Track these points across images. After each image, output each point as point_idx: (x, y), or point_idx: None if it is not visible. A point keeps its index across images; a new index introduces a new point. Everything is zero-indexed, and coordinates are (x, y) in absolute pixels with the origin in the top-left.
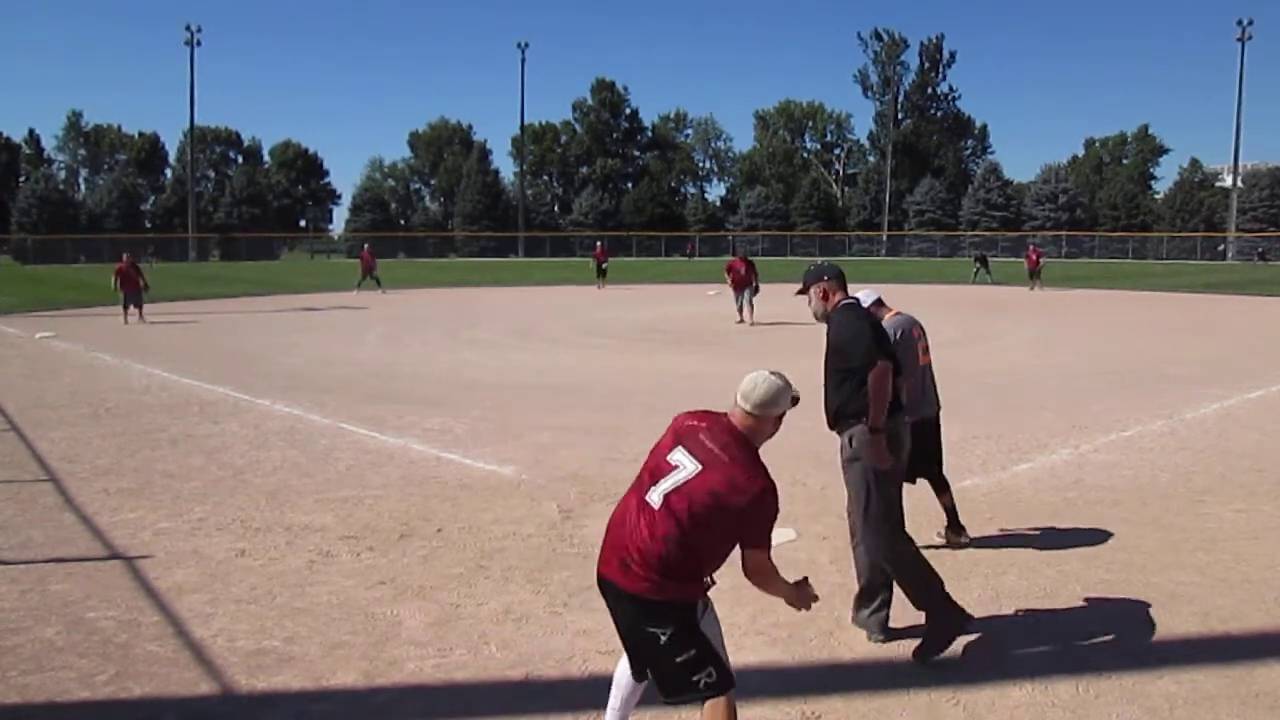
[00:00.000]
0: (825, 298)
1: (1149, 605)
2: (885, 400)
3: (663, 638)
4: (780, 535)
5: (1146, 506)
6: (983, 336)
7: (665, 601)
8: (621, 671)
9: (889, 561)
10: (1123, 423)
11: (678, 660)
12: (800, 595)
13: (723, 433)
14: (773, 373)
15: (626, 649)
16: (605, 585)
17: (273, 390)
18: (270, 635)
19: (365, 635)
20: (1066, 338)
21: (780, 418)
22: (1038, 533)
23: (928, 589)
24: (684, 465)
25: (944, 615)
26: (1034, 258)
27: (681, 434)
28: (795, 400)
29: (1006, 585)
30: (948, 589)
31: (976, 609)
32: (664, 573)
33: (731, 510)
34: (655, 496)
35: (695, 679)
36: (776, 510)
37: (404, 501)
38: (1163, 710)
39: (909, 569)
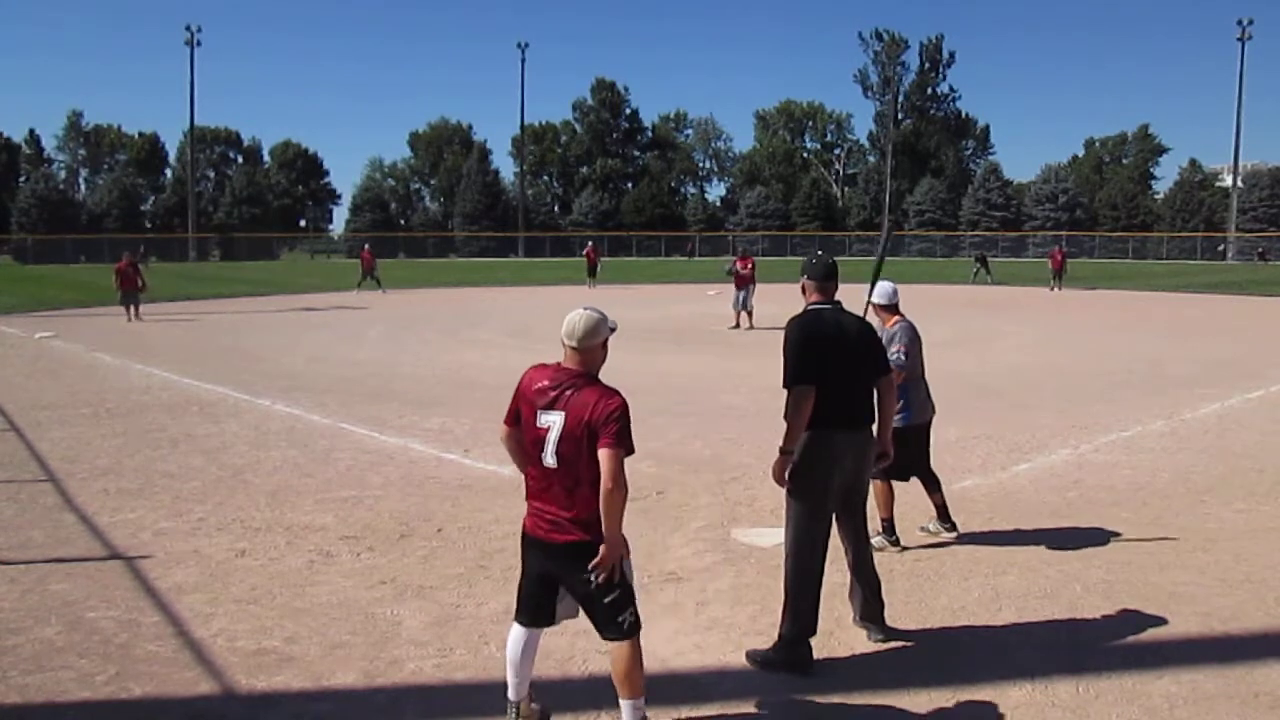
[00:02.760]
0: (804, 294)
1: (1149, 605)
2: (797, 424)
3: (594, 580)
4: (774, 536)
5: (1146, 506)
6: (983, 336)
7: (596, 544)
8: (517, 643)
9: (788, 569)
10: (1123, 423)
11: (607, 602)
12: (611, 552)
13: (564, 376)
14: (587, 308)
15: (540, 599)
16: (536, 544)
17: (273, 390)
18: (270, 635)
19: (365, 635)
20: (1066, 338)
21: (605, 343)
22: (1038, 533)
23: (794, 618)
24: (553, 422)
25: (790, 650)
26: (1059, 258)
27: (535, 399)
28: (613, 328)
29: (1006, 585)
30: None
31: (976, 609)
32: (585, 519)
33: (598, 423)
34: (549, 458)
35: (620, 620)
36: (629, 419)
37: (404, 501)
38: (1163, 710)
39: (795, 587)
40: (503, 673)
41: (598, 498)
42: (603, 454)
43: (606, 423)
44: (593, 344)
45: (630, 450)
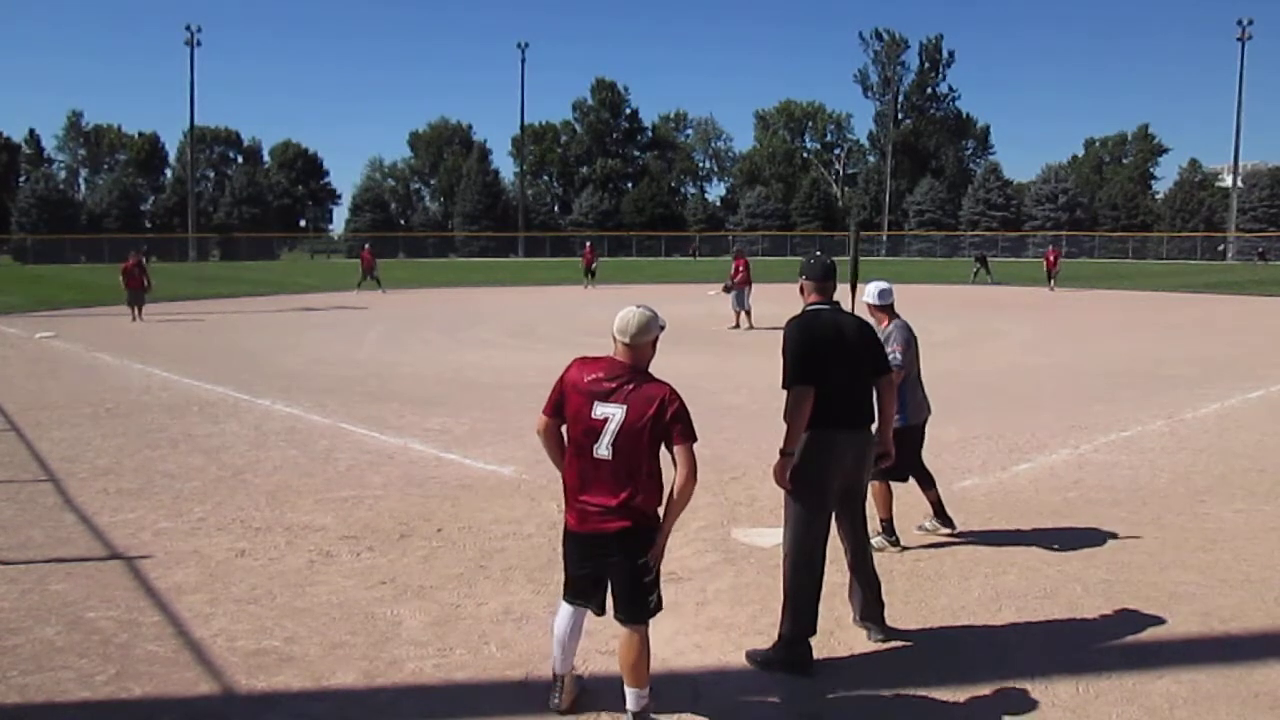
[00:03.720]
0: (802, 294)
1: (1149, 605)
2: (797, 425)
3: (639, 563)
4: (774, 536)
5: (1146, 506)
6: (982, 336)
7: (646, 529)
8: (565, 620)
9: (787, 569)
10: (1123, 423)
11: (645, 581)
12: (665, 541)
13: (619, 370)
14: (639, 306)
15: (590, 582)
16: (584, 537)
17: (273, 390)
18: (270, 635)
19: (365, 635)
20: (1066, 338)
21: (655, 341)
22: (1038, 533)
23: (794, 618)
24: (611, 414)
25: (790, 650)
26: (1052, 258)
27: (590, 391)
28: (662, 327)
29: (1006, 585)
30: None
31: (976, 609)
32: (638, 505)
33: (661, 419)
34: (603, 449)
35: (650, 599)
36: (687, 407)
37: (404, 501)
38: (1163, 710)
39: (794, 587)
40: (503, 673)
41: (647, 486)
42: (680, 450)
43: (675, 421)
44: (645, 340)
45: (696, 439)
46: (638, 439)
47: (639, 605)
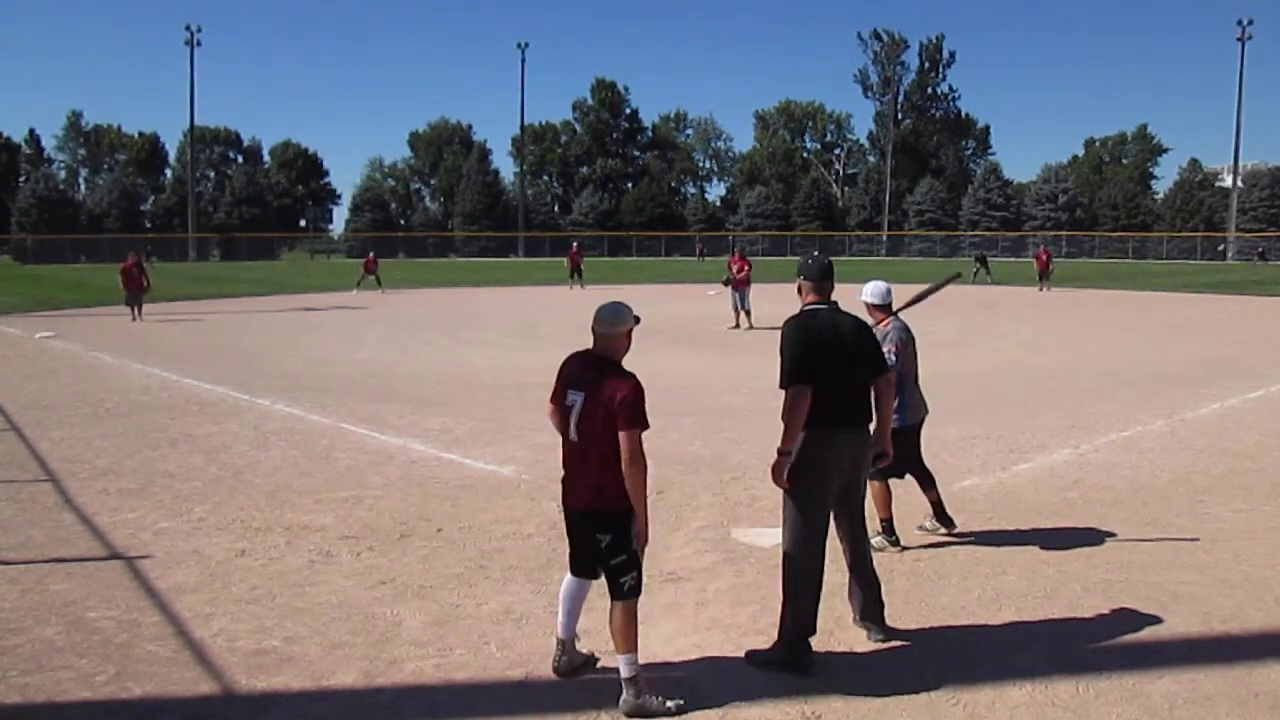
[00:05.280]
0: (800, 294)
1: (1149, 605)
2: (794, 424)
3: (604, 542)
4: (774, 537)
5: (1146, 506)
6: (983, 336)
7: (607, 511)
8: (566, 588)
9: (786, 569)
10: (1123, 423)
11: (612, 563)
12: (641, 524)
13: (588, 361)
14: (615, 301)
15: (580, 556)
16: (566, 509)
17: (273, 390)
18: (270, 635)
19: (365, 635)
20: (1066, 338)
21: (629, 333)
22: (1038, 533)
23: (794, 618)
24: (576, 400)
25: (790, 650)
26: (1044, 258)
27: (567, 379)
28: (637, 320)
29: (1006, 585)
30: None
31: (976, 609)
32: (601, 486)
33: (614, 406)
34: (573, 432)
35: (622, 581)
36: (643, 399)
37: (404, 501)
38: (1163, 710)
39: (794, 587)
40: (503, 673)
41: (610, 470)
42: (621, 436)
43: (620, 406)
44: (617, 331)
45: (645, 426)
46: (594, 424)
47: (613, 584)
